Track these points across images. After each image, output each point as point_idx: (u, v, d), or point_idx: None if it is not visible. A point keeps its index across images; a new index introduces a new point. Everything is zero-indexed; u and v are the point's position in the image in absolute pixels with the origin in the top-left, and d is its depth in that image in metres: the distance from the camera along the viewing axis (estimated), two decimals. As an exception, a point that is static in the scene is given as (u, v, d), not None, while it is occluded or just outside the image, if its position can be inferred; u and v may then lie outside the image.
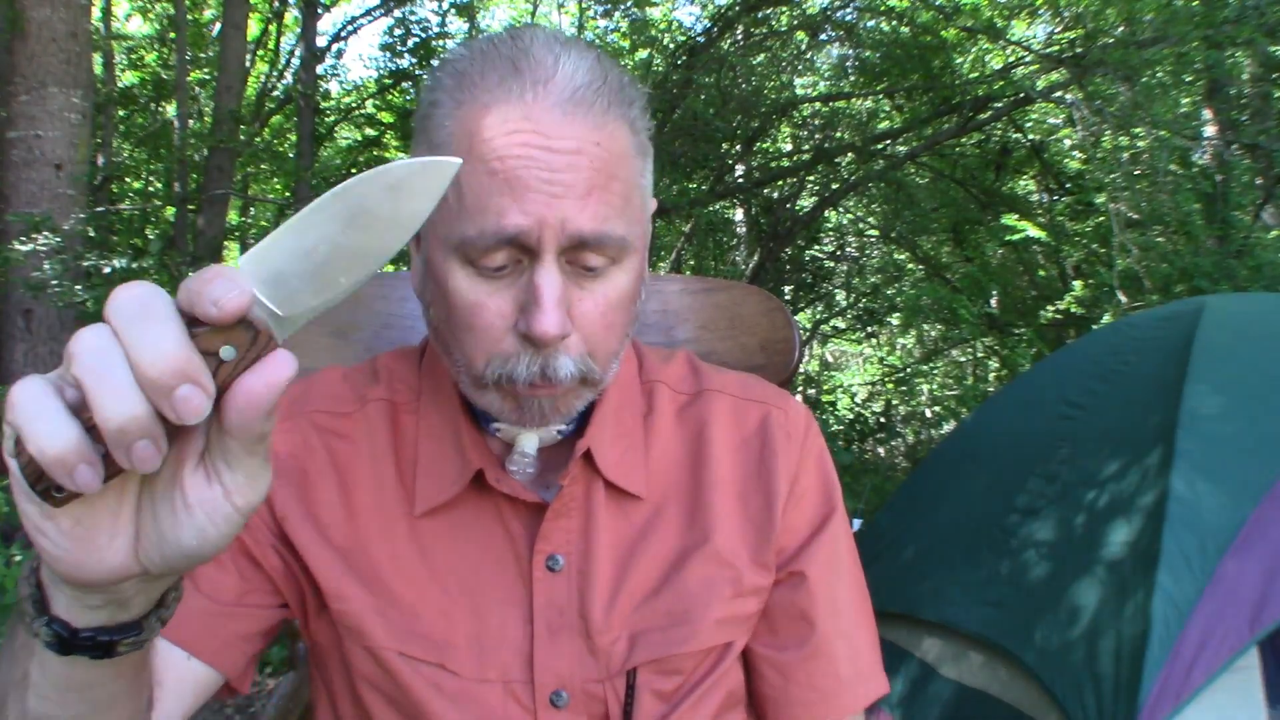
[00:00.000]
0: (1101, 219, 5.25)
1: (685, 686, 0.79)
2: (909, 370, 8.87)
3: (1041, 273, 6.91)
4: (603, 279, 0.70)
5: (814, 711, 0.83)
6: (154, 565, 0.49)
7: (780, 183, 7.48)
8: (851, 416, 7.60)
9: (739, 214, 8.28)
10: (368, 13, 6.91)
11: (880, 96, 7.07)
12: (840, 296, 9.13)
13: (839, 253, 8.88)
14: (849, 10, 6.68)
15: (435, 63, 0.74)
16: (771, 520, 0.82)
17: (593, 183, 0.66)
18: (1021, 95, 5.72)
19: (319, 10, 6.34)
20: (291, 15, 7.24)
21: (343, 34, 6.93)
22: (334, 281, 0.48)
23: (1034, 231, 5.27)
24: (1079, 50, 5.31)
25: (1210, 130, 5.73)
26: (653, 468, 0.82)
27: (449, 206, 0.68)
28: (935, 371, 8.87)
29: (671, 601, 0.79)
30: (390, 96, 7.43)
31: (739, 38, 6.92)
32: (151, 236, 6.38)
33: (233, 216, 6.80)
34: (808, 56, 7.45)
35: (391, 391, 0.84)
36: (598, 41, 7.20)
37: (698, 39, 6.88)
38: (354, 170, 7.51)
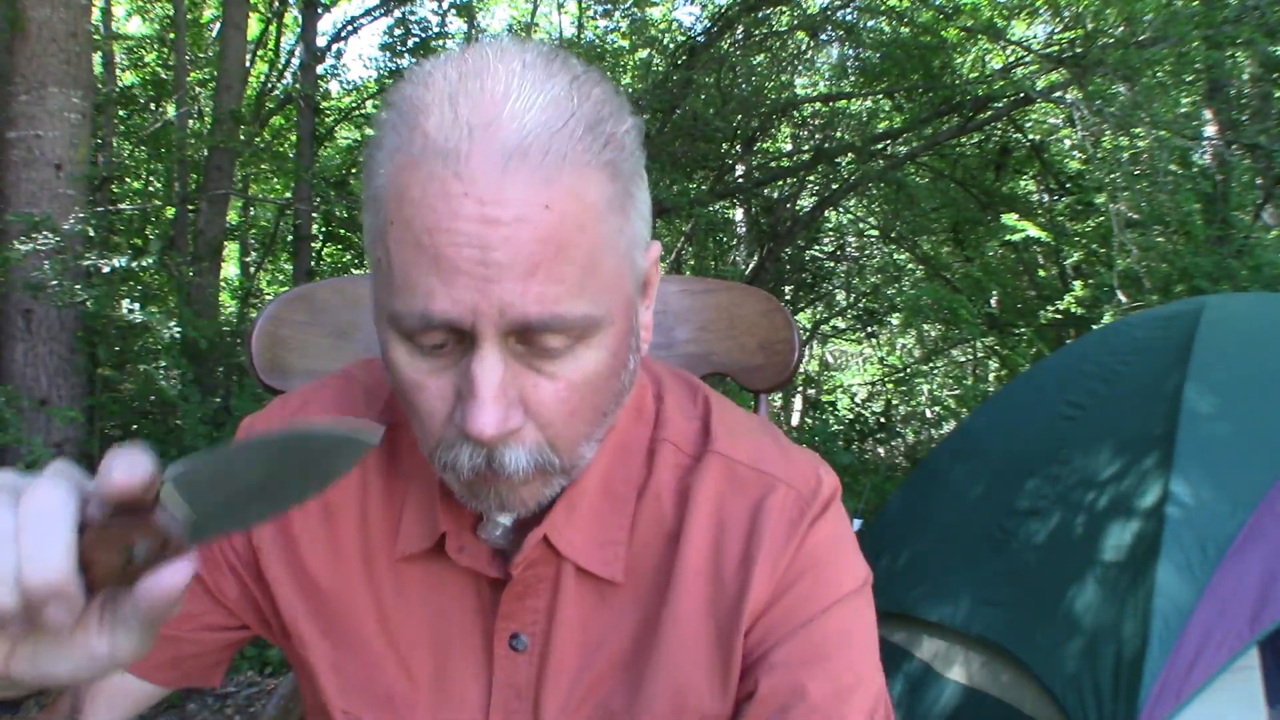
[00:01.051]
0: (1101, 219, 5.25)
1: None
2: (909, 370, 8.87)
3: (1041, 273, 6.91)
4: (566, 358, 0.59)
5: None
6: (23, 677, 0.51)
7: (780, 183, 7.48)
8: (851, 416, 7.60)
9: (739, 214, 8.27)
10: (368, 13, 6.91)
11: (880, 96, 7.07)
12: (840, 296, 9.13)
13: (839, 253, 8.88)
14: (849, 10, 6.68)
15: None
16: (737, 623, 0.69)
17: (538, 257, 0.54)
18: (1021, 95, 5.72)
19: (319, 10, 6.34)
20: (291, 15, 7.23)
21: (343, 34, 6.93)
22: (246, 512, 0.52)
23: (1034, 231, 5.27)
24: (1079, 50, 5.31)
25: (1210, 130, 5.73)
26: (638, 548, 0.71)
27: (382, 271, 0.58)
28: (935, 371, 8.87)
29: (621, 705, 0.69)
30: (390, 96, 7.42)
31: (739, 38, 6.91)
32: (151, 236, 6.38)
33: (233, 216, 6.80)
34: (808, 56, 7.45)
35: (390, 414, 0.75)
36: (597, 42, 7.20)
37: (698, 39, 6.88)
38: (354, 170, 7.50)
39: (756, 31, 6.89)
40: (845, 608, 0.70)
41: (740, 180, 7.47)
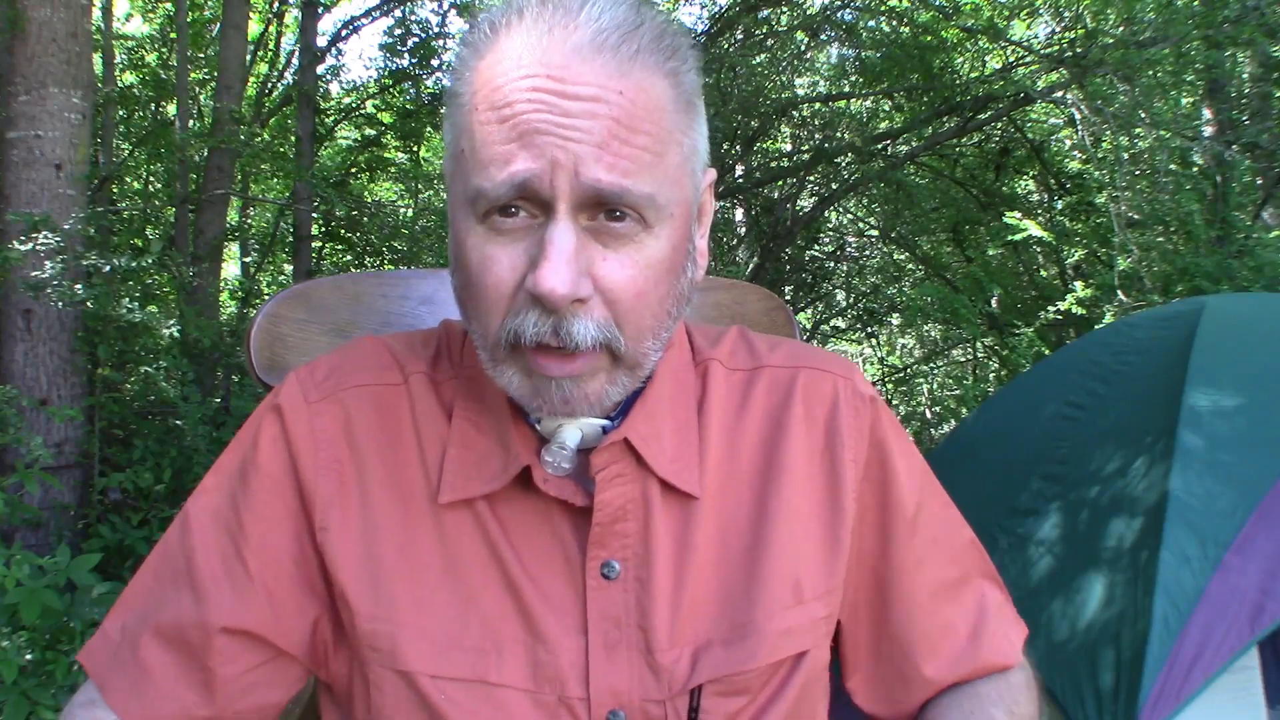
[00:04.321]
0: (1102, 219, 5.25)
1: (752, 707, 0.71)
2: (909, 370, 8.86)
3: (1042, 273, 6.90)
4: (632, 243, 0.63)
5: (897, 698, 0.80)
6: None
7: (780, 183, 7.48)
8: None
9: (739, 214, 8.27)
10: (368, 13, 6.91)
11: (880, 96, 7.06)
12: (840, 296, 9.12)
13: (839, 253, 8.87)
14: (849, 10, 6.67)
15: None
16: (841, 513, 0.75)
17: (611, 132, 0.60)
18: (1021, 95, 5.72)
19: (319, 10, 6.33)
20: (292, 15, 7.23)
21: (343, 34, 6.92)
22: None
23: (1036, 230, 5.27)
24: (1079, 50, 5.31)
25: (1210, 130, 5.73)
26: (710, 461, 0.74)
27: (464, 160, 0.64)
28: (935, 371, 8.86)
29: (734, 612, 0.71)
30: (390, 96, 7.42)
31: (739, 38, 6.91)
32: (152, 236, 6.38)
33: (233, 216, 6.80)
34: (807, 57, 7.44)
35: (431, 364, 0.76)
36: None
37: (698, 39, 6.87)
38: (353, 170, 7.50)
39: (756, 31, 6.88)
40: (913, 477, 0.80)
41: (740, 180, 7.47)
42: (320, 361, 0.78)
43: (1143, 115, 4.95)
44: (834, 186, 7.33)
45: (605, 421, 0.71)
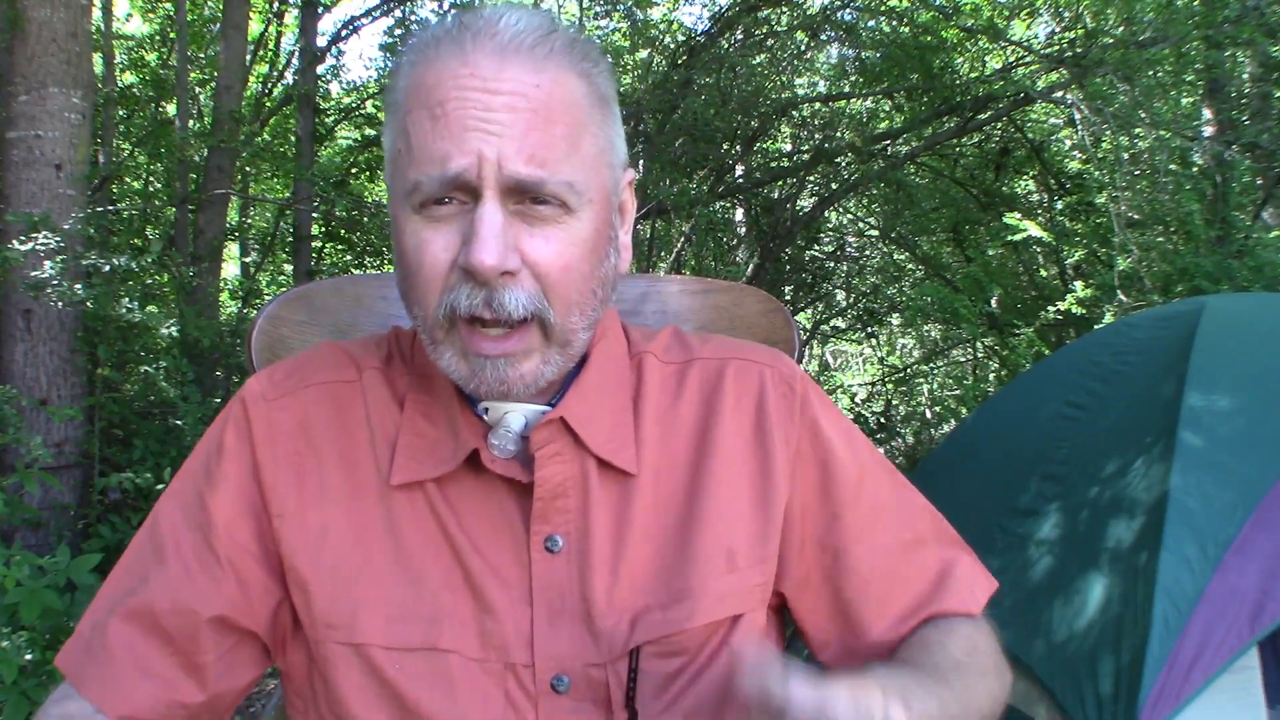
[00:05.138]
0: (1102, 219, 5.25)
1: (691, 667, 0.76)
2: (909, 370, 8.86)
3: (1042, 273, 6.90)
4: (556, 224, 0.70)
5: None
6: None
7: (780, 183, 7.47)
8: (851, 417, 7.59)
9: (739, 214, 8.27)
10: (368, 13, 6.90)
11: (880, 96, 7.06)
12: (840, 296, 9.11)
13: (839, 253, 8.87)
14: (849, 10, 6.67)
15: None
16: (773, 488, 0.80)
17: (531, 124, 0.67)
18: (1021, 95, 5.72)
19: (319, 10, 6.33)
20: (292, 15, 7.23)
21: (343, 34, 6.92)
22: None
23: (1035, 231, 5.26)
24: (1079, 50, 5.31)
25: (1210, 130, 5.72)
26: (645, 443, 0.80)
27: (401, 158, 0.70)
28: (935, 371, 8.86)
29: (670, 579, 0.77)
30: (390, 96, 7.41)
31: (739, 38, 6.91)
32: (152, 236, 6.37)
33: (233, 216, 6.79)
34: (807, 56, 7.44)
35: (384, 361, 0.83)
36: (597, 42, 7.19)
37: (698, 39, 6.87)
38: (353, 170, 7.50)
39: (756, 31, 6.88)
40: (853, 449, 0.85)
41: (740, 180, 7.47)
42: (281, 364, 0.84)
43: (1143, 115, 4.95)
44: (834, 186, 7.33)
45: (546, 407, 0.78)
